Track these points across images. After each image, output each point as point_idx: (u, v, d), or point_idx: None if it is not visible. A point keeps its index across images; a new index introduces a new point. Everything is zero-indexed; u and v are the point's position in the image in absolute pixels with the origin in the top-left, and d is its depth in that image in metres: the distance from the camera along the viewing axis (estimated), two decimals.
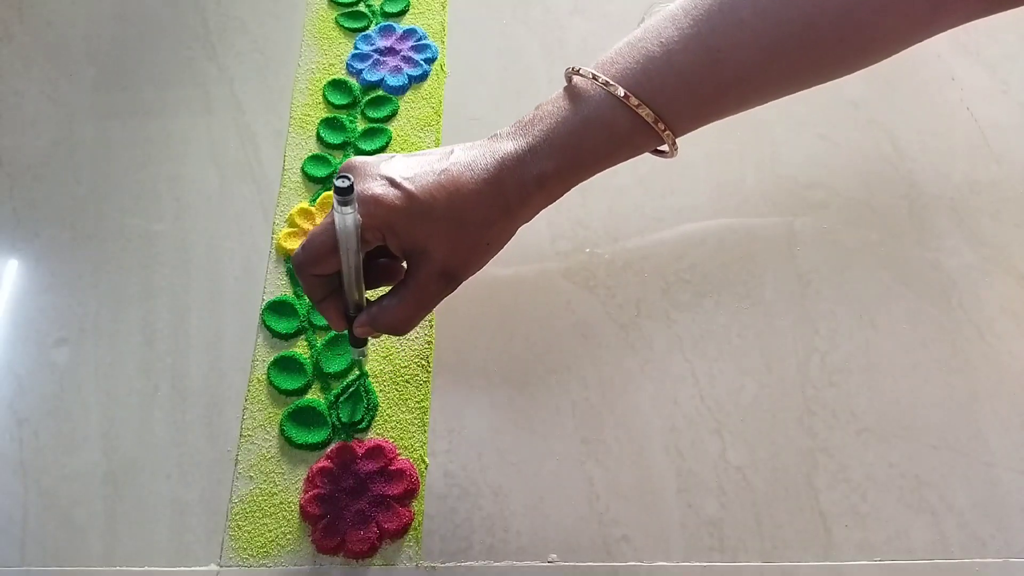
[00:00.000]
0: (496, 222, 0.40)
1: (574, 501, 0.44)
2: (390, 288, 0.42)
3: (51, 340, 0.50)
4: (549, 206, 0.42)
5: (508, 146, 0.40)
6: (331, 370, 0.48)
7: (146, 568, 0.43)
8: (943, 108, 0.57)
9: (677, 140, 0.41)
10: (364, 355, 0.45)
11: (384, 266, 0.43)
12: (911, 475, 0.44)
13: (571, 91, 0.40)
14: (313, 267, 0.40)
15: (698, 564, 0.42)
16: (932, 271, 0.51)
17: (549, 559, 0.43)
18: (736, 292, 0.50)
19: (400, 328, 0.41)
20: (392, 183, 0.39)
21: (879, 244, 0.52)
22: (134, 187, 0.55)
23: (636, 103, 0.38)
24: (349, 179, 0.36)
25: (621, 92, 0.38)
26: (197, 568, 0.43)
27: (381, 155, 0.42)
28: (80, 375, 0.48)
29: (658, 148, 0.41)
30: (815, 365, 0.48)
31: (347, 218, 0.37)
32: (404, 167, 0.39)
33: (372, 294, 0.43)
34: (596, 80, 0.39)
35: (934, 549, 0.42)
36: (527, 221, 0.42)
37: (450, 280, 0.40)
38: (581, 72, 0.40)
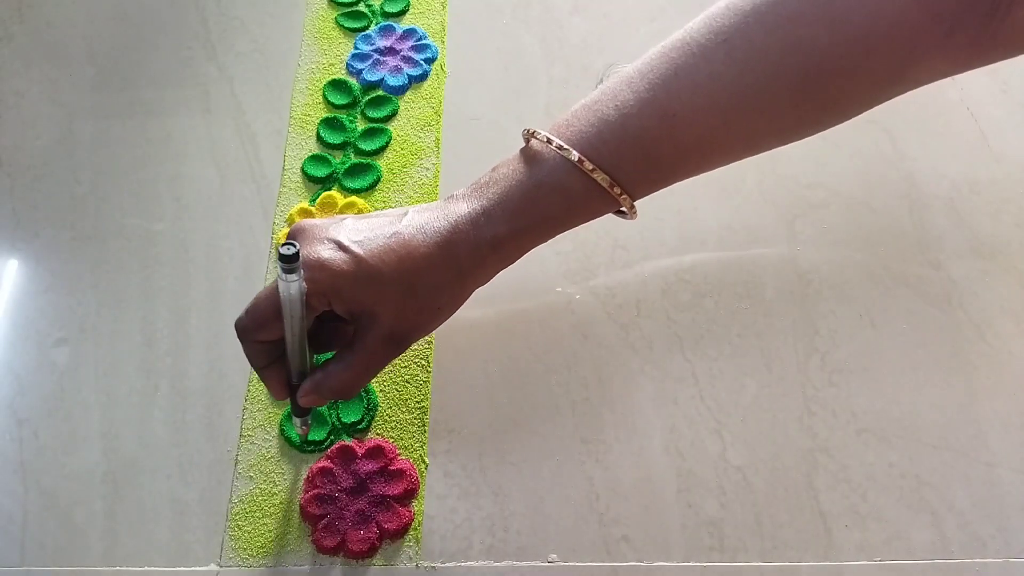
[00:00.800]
0: (448, 286, 0.39)
1: (574, 501, 0.44)
2: (335, 352, 0.41)
3: (51, 340, 0.50)
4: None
5: (462, 208, 0.39)
6: None
7: (146, 568, 0.43)
8: (943, 108, 0.57)
9: (636, 203, 0.40)
10: (308, 424, 0.43)
11: (334, 329, 0.41)
12: (911, 475, 0.44)
13: (527, 153, 0.40)
14: (257, 333, 0.38)
15: (698, 564, 0.42)
16: (932, 271, 0.51)
17: (549, 559, 0.43)
18: (736, 292, 0.50)
19: (346, 393, 0.40)
20: (340, 247, 0.38)
21: (879, 244, 0.52)
22: (134, 187, 0.55)
23: (591, 168, 0.38)
24: (295, 247, 0.35)
25: (575, 156, 0.38)
26: (197, 568, 0.43)
27: (333, 217, 0.41)
28: (80, 375, 0.48)
29: (620, 211, 0.41)
30: (815, 365, 0.48)
31: (291, 286, 0.36)
32: (354, 230, 0.39)
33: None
34: (550, 144, 0.38)
35: (934, 549, 0.42)
36: (483, 284, 0.41)
37: (398, 344, 0.39)
38: (536, 135, 0.39)
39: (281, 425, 0.46)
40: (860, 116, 0.58)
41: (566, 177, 0.38)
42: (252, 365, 0.40)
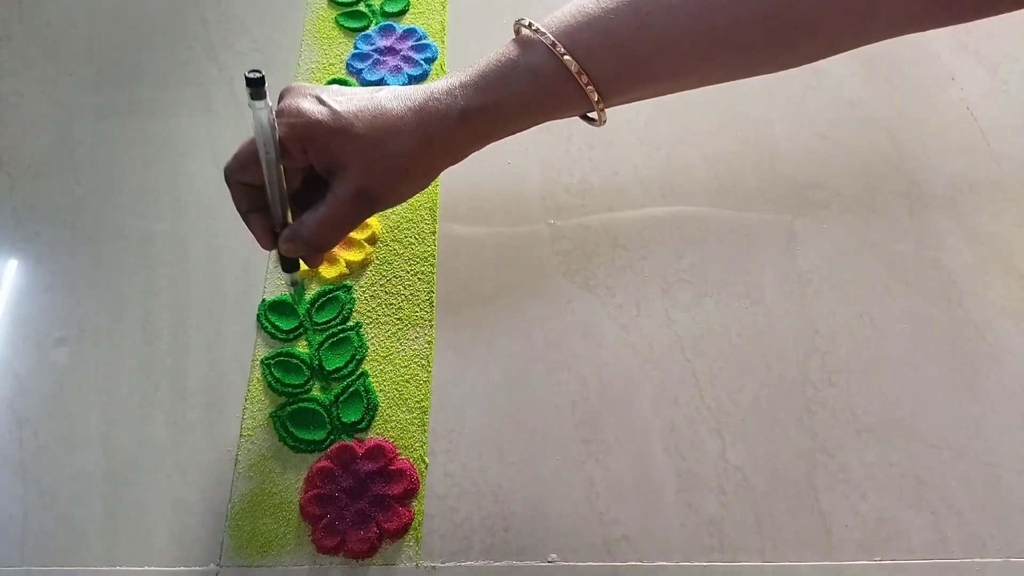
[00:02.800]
0: (416, 151, 0.41)
1: (574, 501, 0.44)
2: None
3: (51, 340, 0.50)
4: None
5: (442, 83, 0.41)
6: (331, 368, 0.48)
7: (146, 568, 0.43)
8: (943, 108, 0.57)
9: (609, 111, 0.41)
10: (297, 283, 0.45)
11: (319, 195, 0.43)
12: (911, 475, 0.44)
13: (515, 40, 0.42)
14: (239, 174, 0.41)
15: (698, 564, 0.42)
16: (932, 271, 0.51)
17: (549, 559, 0.43)
18: (736, 292, 0.50)
19: (319, 243, 0.42)
20: (320, 100, 0.40)
21: (879, 244, 0.52)
22: (134, 187, 0.55)
23: (562, 51, 0.39)
24: (260, 72, 0.37)
25: (550, 40, 0.39)
26: (197, 568, 0.43)
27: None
28: (80, 375, 0.48)
29: (588, 115, 0.42)
30: (815, 365, 0.48)
31: (260, 113, 0.37)
32: (336, 91, 0.41)
33: None
34: (531, 28, 0.40)
35: (934, 549, 0.42)
36: (452, 159, 0.42)
37: (366, 201, 0.41)
38: (522, 22, 0.41)
39: (281, 424, 0.46)
40: (860, 115, 0.58)
41: (539, 60, 0.40)
42: (237, 209, 0.42)
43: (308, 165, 0.41)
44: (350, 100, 0.40)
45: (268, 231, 0.42)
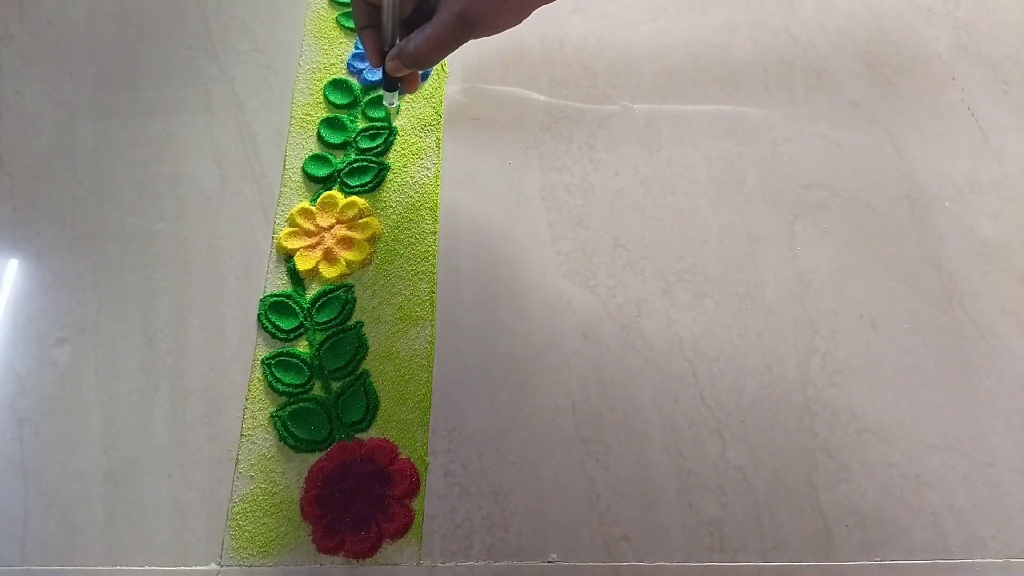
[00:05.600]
0: None
1: (574, 501, 0.44)
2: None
3: (52, 340, 0.50)
4: None
5: None
6: (332, 367, 0.48)
7: (146, 568, 0.43)
8: (943, 108, 0.57)
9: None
10: (393, 103, 0.50)
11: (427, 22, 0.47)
12: (911, 475, 0.44)
13: None
14: None
15: (698, 564, 0.42)
16: (932, 271, 0.51)
17: (549, 559, 0.43)
18: (736, 292, 0.50)
19: (421, 59, 0.45)
20: None
21: (879, 244, 0.52)
22: (134, 187, 0.55)
23: None
24: None
25: None
26: (197, 568, 0.43)
27: None
28: (80, 375, 0.48)
29: None
30: (815, 365, 0.48)
31: None
32: None
33: None
34: None
35: (934, 549, 0.42)
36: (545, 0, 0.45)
37: (465, 25, 0.44)
38: None
39: (281, 424, 0.46)
40: (861, 116, 0.58)
41: None
42: (355, 23, 0.47)
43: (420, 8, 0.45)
44: None
45: (378, 48, 0.47)
